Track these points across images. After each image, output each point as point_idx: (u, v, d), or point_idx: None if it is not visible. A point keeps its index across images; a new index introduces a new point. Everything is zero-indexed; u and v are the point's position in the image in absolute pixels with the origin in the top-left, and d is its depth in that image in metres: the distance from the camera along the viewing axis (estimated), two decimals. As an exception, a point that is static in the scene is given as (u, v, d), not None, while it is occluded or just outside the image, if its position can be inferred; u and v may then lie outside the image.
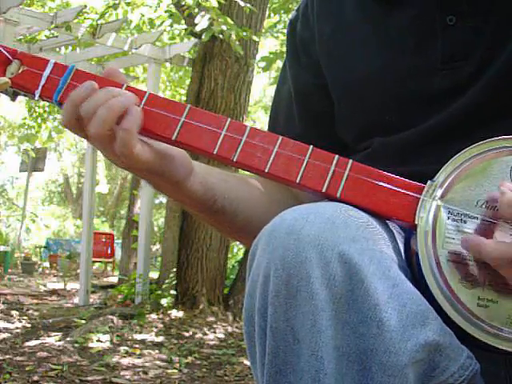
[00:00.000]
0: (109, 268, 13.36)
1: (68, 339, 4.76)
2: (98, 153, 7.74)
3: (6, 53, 0.83)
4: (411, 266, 0.74)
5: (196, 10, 5.40)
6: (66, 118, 0.79)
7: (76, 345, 4.58)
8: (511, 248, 0.66)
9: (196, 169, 0.86)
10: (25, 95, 0.84)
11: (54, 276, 11.72)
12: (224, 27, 5.27)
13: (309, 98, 1.05)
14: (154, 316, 5.65)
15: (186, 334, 5.21)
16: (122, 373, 3.91)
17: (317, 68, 1.02)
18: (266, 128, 1.08)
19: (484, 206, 0.71)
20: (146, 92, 0.81)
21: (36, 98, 0.82)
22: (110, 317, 5.41)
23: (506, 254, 0.66)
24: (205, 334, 5.29)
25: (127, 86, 0.81)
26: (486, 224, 0.70)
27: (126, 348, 4.58)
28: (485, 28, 0.88)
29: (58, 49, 7.34)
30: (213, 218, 0.93)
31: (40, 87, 0.82)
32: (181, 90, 10.03)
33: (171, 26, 7.74)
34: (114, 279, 10.57)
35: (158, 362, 4.25)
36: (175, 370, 4.05)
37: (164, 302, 5.84)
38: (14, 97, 0.85)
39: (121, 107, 0.76)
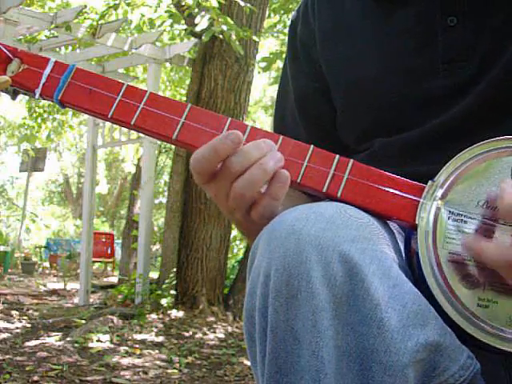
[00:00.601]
0: (109, 268, 13.36)
1: (68, 339, 4.76)
2: (98, 153, 7.74)
3: (6, 51, 0.83)
4: (411, 266, 0.74)
5: (196, 10, 5.40)
6: (200, 165, 0.73)
7: (76, 345, 4.58)
8: (511, 250, 0.66)
9: None
10: (25, 94, 0.84)
11: (54, 276, 11.72)
12: (224, 27, 5.27)
13: (309, 100, 1.05)
14: (153, 316, 5.65)
15: (186, 334, 5.21)
16: (122, 373, 3.91)
17: (317, 70, 1.02)
18: (266, 128, 1.08)
19: (485, 207, 0.71)
20: (146, 91, 0.81)
21: (36, 97, 0.82)
22: (110, 317, 5.41)
23: (506, 256, 0.66)
24: (205, 333, 5.29)
25: (127, 86, 0.81)
26: (486, 224, 0.70)
27: (126, 348, 4.58)
28: (485, 29, 0.88)
29: (57, 49, 7.34)
30: None
31: (40, 86, 0.82)
32: (181, 90, 10.04)
33: (171, 26, 7.75)
34: (114, 279, 10.57)
35: (158, 362, 4.25)
36: (175, 370, 4.05)
37: (164, 302, 5.84)
38: (14, 95, 0.85)
39: (274, 170, 0.72)
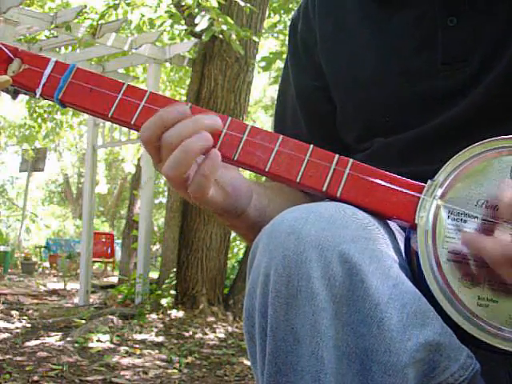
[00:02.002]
0: (109, 268, 13.36)
1: (68, 339, 4.76)
2: (98, 153, 7.74)
3: (7, 51, 0.83)
4: (411, 265, 0.74)
5: (196, 10, 5.40)
6: (145, 134, 0.74)
7: (76, 345, 4.58)
8: (511, 247, 0.66)
9: (253, 194, 0.84)
10: (26, 94, 0.84)
11: (54, 276, 11.72)
12: (224, 27, 5.27)
13: (310, 99, 1.05)
14: (154, 316, 5.65)
15: (186, 334, 5.21)
16: (122, 373, 3.91)
17: (318, 69, 1.02)
18: (266, 128, 1.08)
19: (484, 206, 0.71)
20: (146, 91, 0.81)
21: (37, 97, 0.82)
22: (110, 317, 5.41)
23: (506, 252, 0.66)
24: (205, 333, 5.29)
25: (127, 85, 0.81)
26: (486, 223, 0.70)
27: (126, 348, 4.58)
28: (485, 29, 0.88)
29: (57, 49, 7.34)
30: None
31: (41, 86, 0.82)
32: (181, 90, 10.04)
33: (171, 26, 7.75)
34: (114, 279, 10.57)
35: (158, 362, 4.25)
36: (175, 370, 4.05)
37: (164, 302, 5.84)
38: (15, 95, 0.85)
39: (199, 151, 0.73)
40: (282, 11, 7.42)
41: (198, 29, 5.29)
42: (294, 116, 1.07)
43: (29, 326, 5.47)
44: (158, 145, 0.74)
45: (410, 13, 0.93)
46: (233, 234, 6.90)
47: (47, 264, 13.87)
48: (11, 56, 0.83)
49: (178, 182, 0.74)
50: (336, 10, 1.01)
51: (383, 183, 0.75)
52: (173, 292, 5.94)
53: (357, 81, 0.97)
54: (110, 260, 13.16)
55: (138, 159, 10.24)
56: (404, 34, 0.94)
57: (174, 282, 5.97)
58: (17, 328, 5.35)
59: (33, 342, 4.68)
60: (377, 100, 0.95)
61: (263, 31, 7.03)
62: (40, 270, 12.95)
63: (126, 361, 4.23)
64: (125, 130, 6.74)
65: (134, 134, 6.91)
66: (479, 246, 0.67)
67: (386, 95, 0.94)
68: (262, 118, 15.63)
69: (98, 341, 4.75)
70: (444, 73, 0.90)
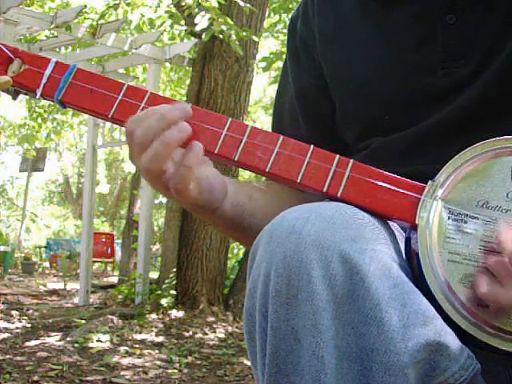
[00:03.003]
0: (109, 268, 13.35)
1: (68, 339, 4.75)
2: (98, 152, 7.74)
3: (7, 51, 0.83)
4: (412, 265, 0.74)
5: (196, 10, 5.40)
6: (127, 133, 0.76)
7: (76, 345, 4.58)
8: None
9: (229, 191, 0.85)
10: (26, 94, 0.84)
11: (54, 276, 11.72)
12: (224, 27, 5.27)
13: (310, 98, 1.05)
14: (154, 316, 5.64)
15: (186, 334, 5.21)
16: (122, 373, 3.91)
17: (317, 68, 1.02)
18: (266, 128, 1.08)
19: (484, 207, 0.71)
20: (146, 91, 0.81)
21: (37, 97, 0.82)
22: (110, 317, 5.41)
23: None
24: (205, 333, 5.28)
25: (128, 85, 0.81)
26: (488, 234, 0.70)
27: (126, 348, 4.58)
28: (485, 26, 0.89)
29: (57, 49, 7.33)
30: (242, 236, 0.92)
31: (41, 86, 0.82)
32: (181, 90, 10.03)
33: (171, 26, 7.74)
34: (114, 279, 10.56)
35: (158, 362, 4.25)
36: (175, 370, 4.05)
37: (164, 302, 5.84)
38: (15, 95, 0.85)
39: (178, 142, 0.74)
40: (282, 11, 7.41)
41: (197, 29, 5.29)
42: (293, 116, 1.07)
43: (29, 326, 5.47)
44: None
45: (409, 10, 0.93)
46: (233, 234, 6.88)
47: (47, 264, 13.86)
48: (11, 56, 0.83)
49: (156, 175, 0.75)
50: (335, 9, 1.01)
51: (384, 184, 0.75)
52: (173, 292, 5.93)
53: (356, 79, 0.97)
54: (110, 260, 13.14)
55: (138, 159, 10.18)
56: (403, 31, 0.94)
57: (174, 282, 5.96)
58: (17, 328, 5.35)
59: (33, 342, 4.68)
60: (376, 98, 0.95)
61: (263, 31, 7.02)
62: (40, 269, 12.94)
63: (126, 361, 4.23)
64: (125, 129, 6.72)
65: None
66: (496, 298, 0.68)
67: (385, 93, 0.94)
68: (262, 118, 15.62)
69: (98, 341, 4.74)
70: (443, 70, 0.90)
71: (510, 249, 0.68)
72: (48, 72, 0.82)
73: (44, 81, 0.82)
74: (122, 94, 0.80)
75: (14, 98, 0.85)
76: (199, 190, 0.78)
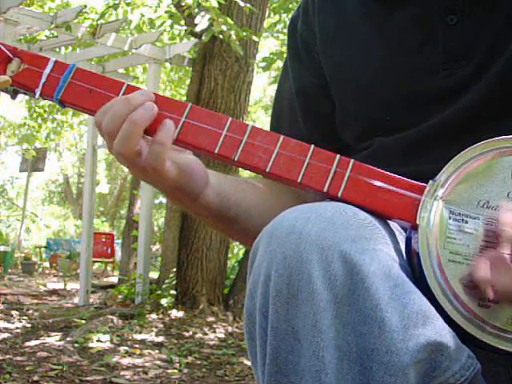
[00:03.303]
0: (109, 268, 13.35)
1: (68, 339, 4.75)
2: (98, 153, 7.74)
3: (6, 51, 0.83)
4: (412, 265, 0.74)
5: (196, 10, 5.40)
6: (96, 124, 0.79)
7: (76, 345, 4.58)
8: None
9: (211, 179, 0.85)
10: (25, 93, 0.84)
11: (54, 276, 11.72)
12: (224, 27, 5.27)
13: (310, 98, 1.05)
14: (154, 316, 5.64)
15: (186, 334, 5.21)
16: (122, 373, 3.91)
17: (318, 68, 1.02)
18: (266, 128, 1.08)
19: (485, 206, 0.71)
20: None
21: (36, 97, 0.82)
22: (110, 317, 5.41)
23: None
24: (205, 333, 5.28)
25: (128, 84, 0.81)
26: (488, 231, 0.70)
27: (126, 348, 4.58)
28: (486, 27, 0.88)
29: (57, 49, 7.33)
30: (225, 226, 0.92)
31: (40, 86, 0.82)
32: (181, 90, 10.03)
33: (171, 26, 7.74)
34: (114, 279, 10.56)
35: (158, 362, 4.25)
36: (175, 370, 4.05)
37: (164, 302, 5.84)
38: (14, 95, 0.85)
39: (146, 122, 0.75)
40: (282, 11, 7.41)
41: (197, 29, 5.29)
42: (292, 116, 1.07)
43: (29, 326, 5.47)
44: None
45: (410, 11, 0.93)
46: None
47: (47, 264, 13.86)
48: (10, 56, 0.83)
49: (129, 156, 0.76)
50: (336, 9, 1.01)
51: (384, 184, 0.75)
52: (173, 292, 5.94)
53: (357, 80, 0.97)
54: (110, 260, 13.15)
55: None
56: (404, 32, 0.94)
57: (174, 282, 5.96)
58: (17, 328, 5.35)
59: (33, 342, 4.68)
60: (377, 99, 0.95)
61: (263, 31, 7.02)
62: (40, 269, 12.94)
63: (126, 361, 4.23)
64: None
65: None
66: (491, 282, 0.67)
67: (386, 94, 0.94)
68: (262, 118, 15.63)
69: (98, 341, 4.74)
70: (445, 71, 0.90)
71: (509, 235, 0.68)
72: (47, 71, 0.82)
73: (43, 80, 0.82)
74: (121, 93, 0.80)
75: (13, 97, 0.85)
76: (177, 172, 0.80)
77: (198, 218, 0.94)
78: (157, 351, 4.56)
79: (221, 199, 0.87)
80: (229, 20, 5.38)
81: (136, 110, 0.76)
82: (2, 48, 0.83)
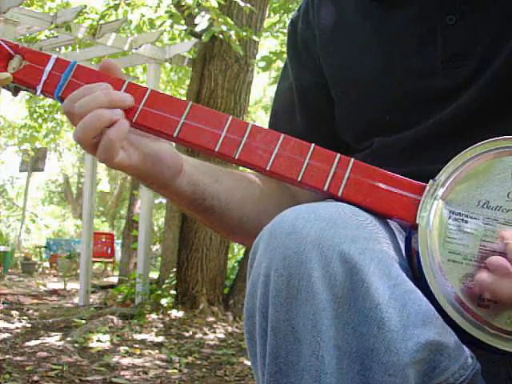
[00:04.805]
0: (109, 268, 13.35)
1: (68, 339, 4.76)
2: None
3: (7, 48, 0.83)
4: (412, 265, 0.74)
5: (196, 10, 5.40)
6: (65, 109, 0.80)
7: (76, 345, 4.58)
8: None
9: (186, 168, 0.85)
10: (26, 90, 0.84)
11: (54, 276, 11.72)
12: (224, 27, 5.27)
13: (311, 96, 1.05)
14: (154, 316, 5.65)
15: (186, 334, 5.21)
16: (122, 373, 3.91)
17: (318, 67, 1.02)
18: (266, 127, 1.08)
19: (485, 206, 0.71)
20: (147, 88, 0.81)
21: (38, 94, 0.82)
22: (110, 317, 5.41)
23: None
24: (205, 334, 5.28)
25: (129, 82, 0.81)
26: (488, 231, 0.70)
27: (126, 348, 4.58)
28: (484, 27, 0.89)
29: (57, 49, 7.33)
30: (201, 216, 0.93)
31: (42, 83, 0.82)
32: (181, 90, 10.03)
33: (171, 26, 7.74)
34: (114, 279, 10.56)
35: (158, 362, 4.25)
36: (175, 370, 4.05)
37: (164, 302, 5.84)
38: (15, 92, 0.85)
39: (109, 120, 0.76)
40: (282, 11, 7.41)
41: (197, 29, 5.29)
42: (291, 116, 1.07)
43: (29, 325, 5.47)
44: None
45: (409, 11, 0.93)
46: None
47: (47, 264, 13.86)
48: (12, 53, 0.83)
49: (86, 145, 0.78)
50: (336, 9, 1.01)
51: (384, 183, 0.75)
52: (173, 292, 5.94)
53: (356, 79, 0.97)
54: (110, 260, 13.15)
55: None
56: (403, 32, 0.94)
57: (174, 282, 5.97)
58: (17, 328, 5.35)
59: (33, 342, 4.68)
60: (377, 99, 0.95)
61: (263, 31, 7.02)
62: (40, 269, 12.94)
63: (126, 361, 4.23)
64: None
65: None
66: (494, 289, 0.67)
67: (386, 94, 0.94)
68: (262, 118, 15.62)
69: (98, 341, 4.74)
70: (444, 71, 0.90)
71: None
72: (48, 68, 0.82)
73: (44, 77, 0.82)
74: (122, 90, 0.80)
75: (15, 94, 0.85)
76: (142, 161, 0.80)
77: (172, 202, 0.95)
78: (157, 351, 4.56)
79: (194, 189, 0.87)
80: (229, 20, 5.38)
81: (105, 109, 0.76)
82: (4, 45, 0.83)
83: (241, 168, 0.88)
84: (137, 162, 0.80)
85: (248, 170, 0.84)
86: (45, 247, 15.06)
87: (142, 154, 0.80)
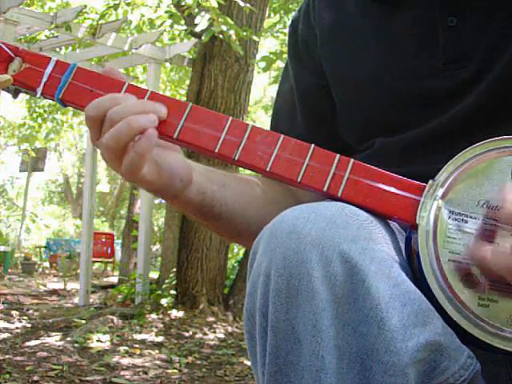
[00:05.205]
0: (109, 268, 13.35)
1: (68, 339, 4.76)
2: (98, 152, 7.72)
3: (7, 50, 0.83)
4: (412, 265, 0.74)
5: (196, 10, 5.40)
6: (90, 116, 0.78)
7: (76, 345, 4.58)
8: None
9: (195, 177, 0.85)
10: (26, 93, 0.84)
11: (54, 276, 11.71)
12: (224, 27, 5.27)
13: (311, 97, 1.05)
14: (154, 316, 5.64)
15: (186, 334, 5.21)
16: (122, 373, 3.91)
17: (319, 68, 1.02)
18: (266, 128, 1.08)
19: (485, 206, 0.71)
20: (147, 90, 0.81)
21: (38, 96, 0.82)
22: (110, 317, 5.41)
23: (509, 263, 0.66)
24: (205, 334, 5.28)
25: (128, 84, 0.81)
26: (487, 230, 0.70)
27: (126, 348, 4.58)
28: (486, 28, 0.88)
29: (57, 49, 7.33)
30: (210, 223, 0.93)
31: (42, 85, 0.82)
32: (181, 90, 10.03)
33: (171, 26, 7.74)
34: (114, 279, 10.56)
35: (158, 362, 4.25)
36: (175, 370, 4.05)
37: (164, 302, 5.84)
38: (15, 94, 0.85)
39: (141, 128, 0.75)
40: (282, 11, 7.41)
41: (197, 29, 5.29)
42: (292, 117, 1.07)
43: (29, 325, 5.47)
44: (102, 121, 0.78)
45: (410, 13, 0.93)
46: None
47: (47, 264, 13.85)
48: (12, 55, 0.83)
49: (115, 154, 0.76)
50: (336, 10, 1.01)
51: (384, 184, 0.75)
52: (173, 292, 5.94)
53: (357, 81, 0.97)
54: (110, 260, 13.14)
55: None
56: (404, 33, 0.94)
57: (174, 282, 5.97)
58: (17, 328, 5.35)
59: (33, 342, 4.68)
60: (377, 99, 0.95)
61: (263, 31, 7.02)
62: (40, 269, 12.93)
63: (126, 361, 4.23)
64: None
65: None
66: (482, 256, 0.67)
67: (386, 95, 0.94)
68: (262, 118, 15.62)
69: (98, 341, 4.74)
70: (445, 72, 0.90)
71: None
72: (48, 71, 0.82)
73: (44, 80, 0.82)
74: (122, 92, 0.80)
75: (15, 96, 0.85)
76: (158, 176, 0.80)
77: (182, 212, 0.94)
78: (157, 351, 4.56)
79: (203, 198, 0.87)
80: (229, 20, 5.38)
81: (137, 115, 0.75)
82: (4, 47, 0.83)
83: (241, 169, 0.88)
84: (154, 177, 0.80)
85: (248, 172, 0.83)
86: (45, 247, 15.06)
87: (159, 167, 0.80)
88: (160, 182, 0.80)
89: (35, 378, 3.63)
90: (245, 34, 5.48)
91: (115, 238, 14.27)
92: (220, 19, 5.26)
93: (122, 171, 0.77)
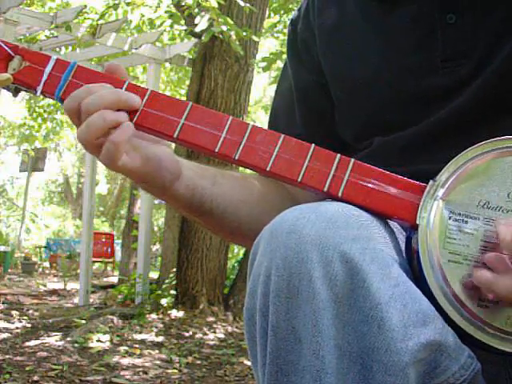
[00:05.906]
0: (109, 268, 13.35)
1: (68, 339, 4.76)
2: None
3: (7, 48, 0.83)
4: (412, 265, 0.74)
5: (196, 10, 5.40)
6: (67, 107, 0.79)
7: (76, 345, 4.58)
8: None
9: (184, 172, 0.86)
10: (27, 91, 0.84)
11: (54, 276, 11.71)
12: (224, 27, 5.27)
13: (310, 96, 1.05)
14: (154, 316, 5.65)
15: (186, 334, 5.21)
16: (122, 373, 3.91)
17: (318, 67, 1.02)
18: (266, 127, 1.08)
19: (485, 207, 0.71)
20: (147, 89, 0.81)
21: (38, 94, 0.82)
22: (110, 317, 5.41)
23: None
24: (205, 334, 5.28)
25: (129, 83, 0.81)
26: (488, 232, 0.70)
27: (126, 348, 4.58)
28: (484, 26, 0.89)
29: (57, 49, 7.33)
30: (201, 220, 0.93)
31: (42, 83, 0.82)
32: (181, 90, 10.03)
33: (171, 26, 7.74)
34: (114, 279, 10.56)
35: (158, 362, 4.25)
36: (175, 370, 4.05)
37: (164, 302, 5.84)
38: (15, 93, 0.85)
39: (115, 121, 0.76)
40: (282, 11, 7.41)
41: (197, 29, 5.28)
42: (290, 116, 1.07)
43: (29, 325, 5.47)
44: (79, 112, 0.78)
45: (409, 10, 0.93)
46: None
47: (47, 264, 13.85)
48: (12, 53, 0.83)
49: (90, 146, 0.78)
50: (335, 9, 1.02)
51: (384, 184, 0.75)
52: (173, 292, 5.94)
53: (356, 79, 0.97)
54: (110, 260, 13.14)
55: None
56: (403, 31, 0.94)
57: (174, 282, 5.96)
58: (17, 328, 5.35)
59: (33, 342, 4.68)
60: (376, 97, 0.95)
61: (263, 31, 7.02)
62: (40, 269, 12.93)
63: (126, 361, 4.23)
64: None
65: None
66: (490, 285, 0.67)
67: (385, 93, 0.94)
68: (262, 118, 15.62)
69: (98, 341, 4.74)
70: (444, 70, 0.90)
71: (508, 242, 0.68)
72: (48, 69, 0.82)
73: (44, 78, 0.82)
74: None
75: (15, 95, 0.85)
76: (142, 164, 0.80)
77: (172, 207, 0.95)
78: (157, 351, 4.56)
79: (193, 193, 0.87)
80: (229, 20, 5.38)
81: (111, 111, 0.76)
82: (3, 46, 0.83)
83: (240, 168, 0.88)
84: (139, 166, 0.80)
85: (248, 171, 0.83)
86: (45, 247, 15.06)
87: (144, 157, 0.80)
88: (145, 170, 0.81)
89: (35, 378, 3.63)
90: (245, 34, 5.47)
91: (115, 237, 14.27)
92: (220, 19, 5.26)
93: (100, 159, 0.78)
